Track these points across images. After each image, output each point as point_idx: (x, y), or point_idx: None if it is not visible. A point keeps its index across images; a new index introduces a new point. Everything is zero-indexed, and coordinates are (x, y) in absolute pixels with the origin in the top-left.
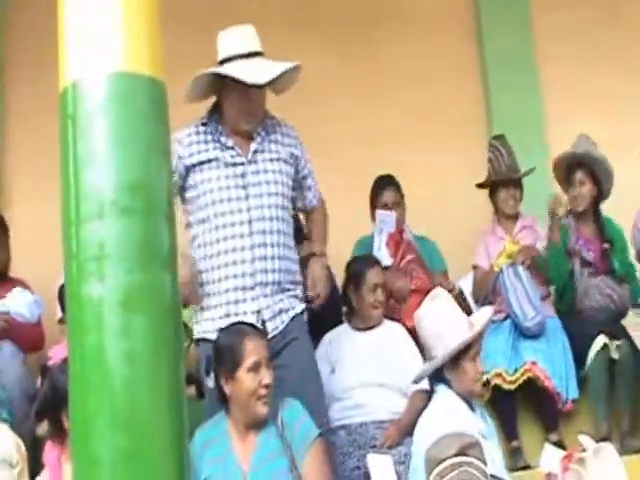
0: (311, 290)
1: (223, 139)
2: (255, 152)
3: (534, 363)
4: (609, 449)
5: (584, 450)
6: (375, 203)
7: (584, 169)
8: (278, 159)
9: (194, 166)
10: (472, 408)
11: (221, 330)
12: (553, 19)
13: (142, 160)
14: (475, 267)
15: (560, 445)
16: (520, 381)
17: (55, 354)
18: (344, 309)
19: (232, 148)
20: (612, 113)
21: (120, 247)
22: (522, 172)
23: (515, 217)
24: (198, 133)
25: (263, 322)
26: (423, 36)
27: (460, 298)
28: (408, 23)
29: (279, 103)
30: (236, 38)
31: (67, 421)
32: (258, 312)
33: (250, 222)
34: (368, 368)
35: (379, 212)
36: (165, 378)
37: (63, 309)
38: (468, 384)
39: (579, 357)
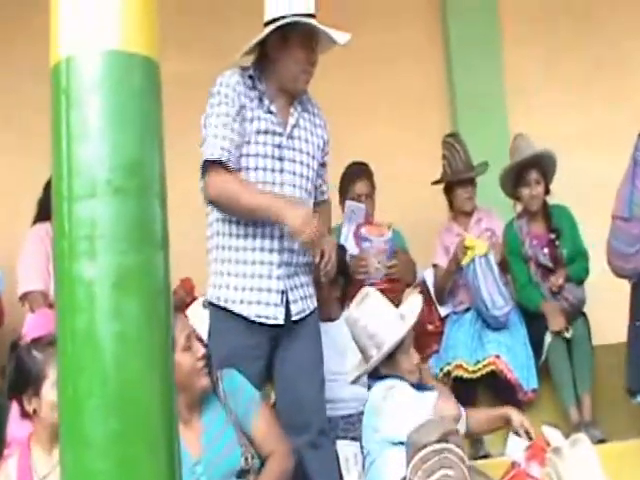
0: (322, 269)
1: (266, 101)
2: (293, 127)
3: (498, 357)
4: (585, 440)
5: (548, 442)
6: (346, 192)
7: (538, 168)
8: (312, 142)
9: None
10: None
11: None
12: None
13: (136, 140)
14: (435, 266)
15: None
16: (482, 372)
17: (29, 331)
18: None
19: (274, 114)
20: (578, 102)
21: (113, 227)
22: (477, 169)
23: (471, 212)
24: (245, 85)
25: (287, 303)
26: (387, 16)
27: (424, 289)
28: (372, 4)
29: None
30: None
31: (29, 405)
32: (283, 292)
33: (283, 198)
34: (331, 360)
35: (349, 203)
36: (157, 360)
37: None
38: (406, 376)
39: (536, 348)
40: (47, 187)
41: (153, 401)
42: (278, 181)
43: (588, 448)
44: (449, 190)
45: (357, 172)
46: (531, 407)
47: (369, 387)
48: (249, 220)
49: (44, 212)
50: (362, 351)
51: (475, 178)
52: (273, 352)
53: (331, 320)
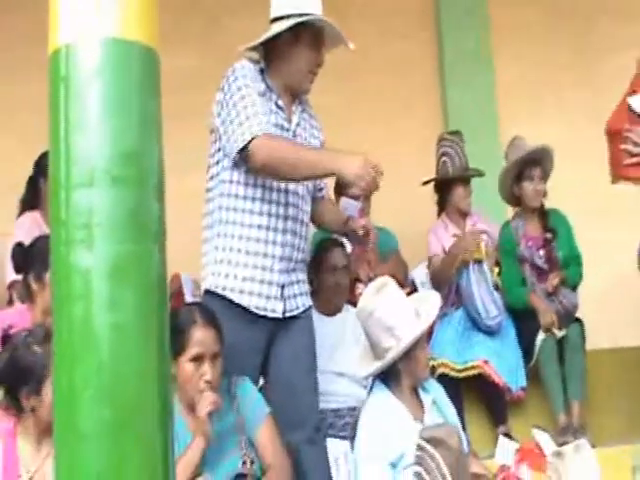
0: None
1: (274, 96)
2: (297, 125)
3: (486, 362)
4: (588, 446)
5: (538, 445)
6: (342, 191)
7: (541, 165)
8: (311, 143)
9: None
10: (419, 397)
11: (176, 308)
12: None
13: (135, 130)
14: (431, 257)
15: (508, 437)
16: (469, 373)
17: (15, 322)
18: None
19: (282, 109)
20: (570, 116)
21: (110, 217)
22: (478, 171)
23: (468, 212)
24: (258, 77)
25: (284, 300)
26: (382, 30)
27: (413, 289)
28: (368, 17)
29: None
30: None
31: (26, 400)
32: (283, 287)
33: (287, 192)
34: (327, 356)
35: (343, 200)
36: (152, 351)
37: (18, 271)
38: (421, 372)
39: (526, 350)
40: (32, 178)
41: (148, 393)
42: None
43: (590, 455)
44: (446, 188)
45: None
46: (520, 407)
47: (370, 388)
48: (275, 198)
49: (30, 200)
50: (374, 343)
51: (471, 178)
52: (268, 347)
53: (332, 313)
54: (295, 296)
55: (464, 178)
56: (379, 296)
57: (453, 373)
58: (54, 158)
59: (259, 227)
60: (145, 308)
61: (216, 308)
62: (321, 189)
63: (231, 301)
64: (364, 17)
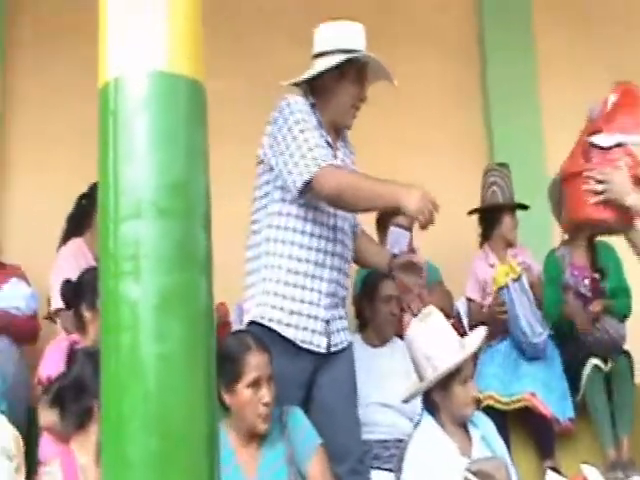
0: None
1: (324, 132)
2: (342, 160)
3: (533, 394)
4: None
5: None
6: (387, 218)
7: None
8: None
9: None
10: (467, 431)
11: (226, 337)
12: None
13: (182, 161)
14: (469, 299)
15: (556, 472)
16: (515, 406)
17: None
18: (357, 321)
19: (330, 146)
20: None
21: (157, 248)
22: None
23: (513, 243)
24: (310, 112)
25: (329, 334)
26: (425, 58)
27: (457, 320)
28: (408, 44)
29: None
30: (356, 33)
31: (97, 411)
32: (327, 322)
33: (335, 228)
34: (374, 386)
35: (394, 229)
36: (199, 383)
37: (69, 307)
38: (458, 408)
39: (572, 380)
40: (79, 202)
41: (195, 423)
42: (332, 211)
43: None
44: (493, 219)
45: None
46: (567, 440)
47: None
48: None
49: (75, 227)
50: (418, 371)
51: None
52: (311, 380)
53: (382, 343)
54: (338, 331)
55: (512, 208)
56: (423, 325)
57: (499, 406)
58: (103, 190)
59: (307, 261)
60: (192, 339)
61: (264, 339)
62: (357, 225)
63: (277, 333)
64: (408, 48)
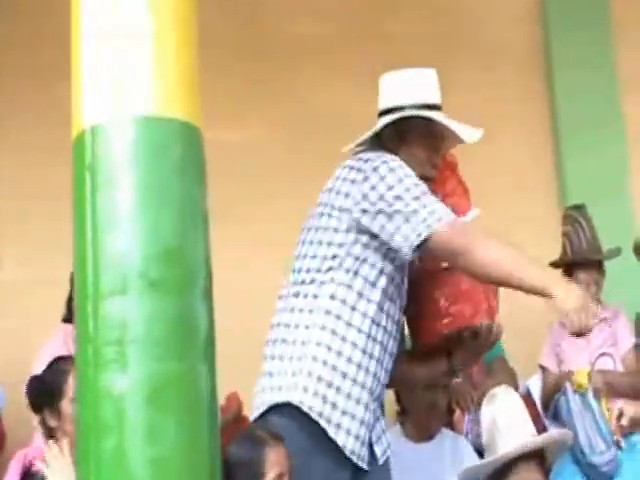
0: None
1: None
2: None
3: None
4: None
5: None
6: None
7: None
8: None
9: None
10: None
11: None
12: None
13: (176, 223)
14: (542, 368)
15: None
16: None
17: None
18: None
19: None
20: None
21: (148, 330)
22: (607, 252)
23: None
24: None
25: (371, 444)
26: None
27: (528, 400)
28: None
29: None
30: (429, 85)
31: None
32: (370, 430)
33: (397, 322)
34: None
35: None
36: None
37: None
38: None
39: None
40: (71, 281)
41: None
42: (398, 310)
43: None
44: (568, 275)
45: None
46: None
47: None
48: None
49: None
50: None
51: (602, 262)
52: None
53: (427, 438)
54: (380, 438)
55: (588, 262)
56: (489, 406)
57: None
58: (78, 264)
59: (363, 351)
60: (191, 439)
61: (305, 433)
62: None
63: (323, 432)
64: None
